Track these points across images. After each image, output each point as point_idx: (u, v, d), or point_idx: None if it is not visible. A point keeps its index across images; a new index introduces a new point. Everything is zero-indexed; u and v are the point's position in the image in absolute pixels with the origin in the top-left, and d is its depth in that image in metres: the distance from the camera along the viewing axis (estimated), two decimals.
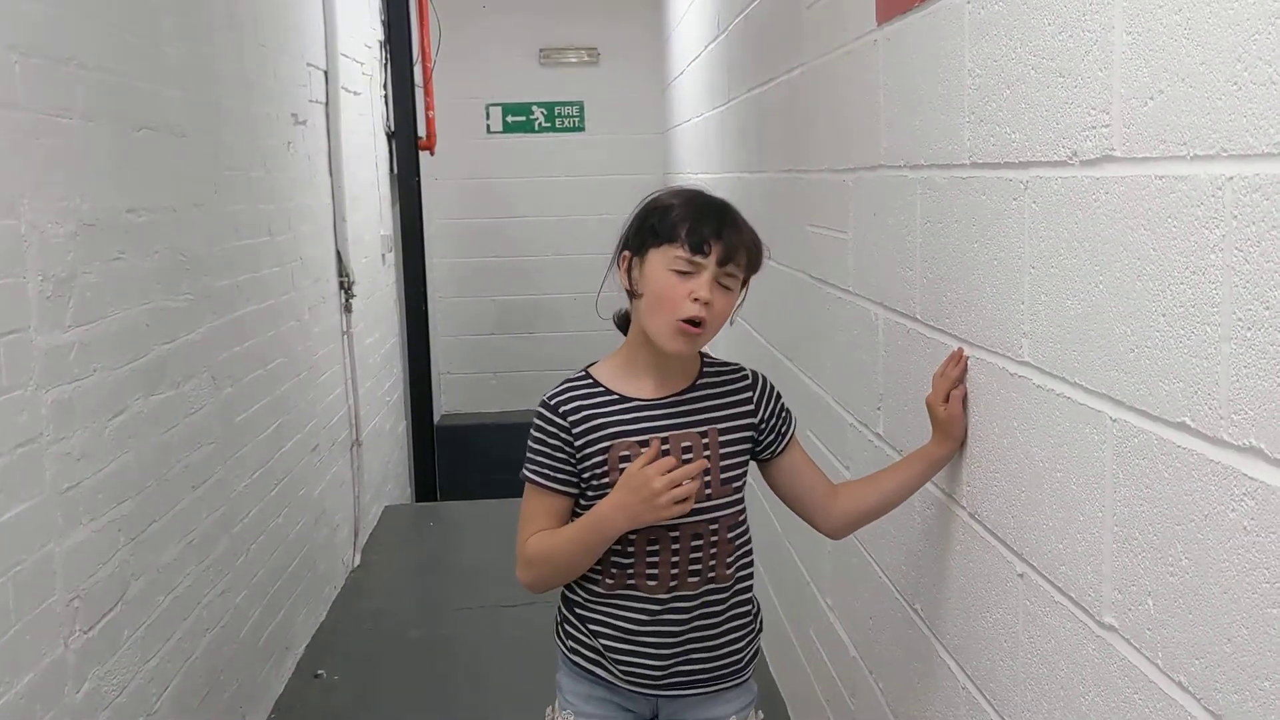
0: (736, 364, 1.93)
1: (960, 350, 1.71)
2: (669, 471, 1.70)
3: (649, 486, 1.70)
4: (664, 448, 1.79)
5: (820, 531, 1.97)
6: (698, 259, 1.72)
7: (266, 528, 3.62)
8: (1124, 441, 1.21)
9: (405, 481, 6.41)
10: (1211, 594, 1.06)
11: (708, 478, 1.81)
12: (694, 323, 1.73)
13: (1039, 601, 1.46)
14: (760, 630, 1.96)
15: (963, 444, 1.73)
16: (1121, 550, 1.23)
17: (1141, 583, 1.18)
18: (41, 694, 2.11)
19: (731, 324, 1.86)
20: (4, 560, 2.01)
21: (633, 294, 1.80)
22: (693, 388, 1.85)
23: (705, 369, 1.88)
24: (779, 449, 1.90)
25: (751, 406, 1.87)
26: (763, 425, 1.88)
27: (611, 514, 1.74)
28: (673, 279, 1.73)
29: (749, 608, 1.92)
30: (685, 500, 1.71)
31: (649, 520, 1.73)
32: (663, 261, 1.74)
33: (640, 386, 1.83)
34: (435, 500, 6.49)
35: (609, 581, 1.84)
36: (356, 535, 4.98)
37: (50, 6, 2.26)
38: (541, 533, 1.82)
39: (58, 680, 2.18)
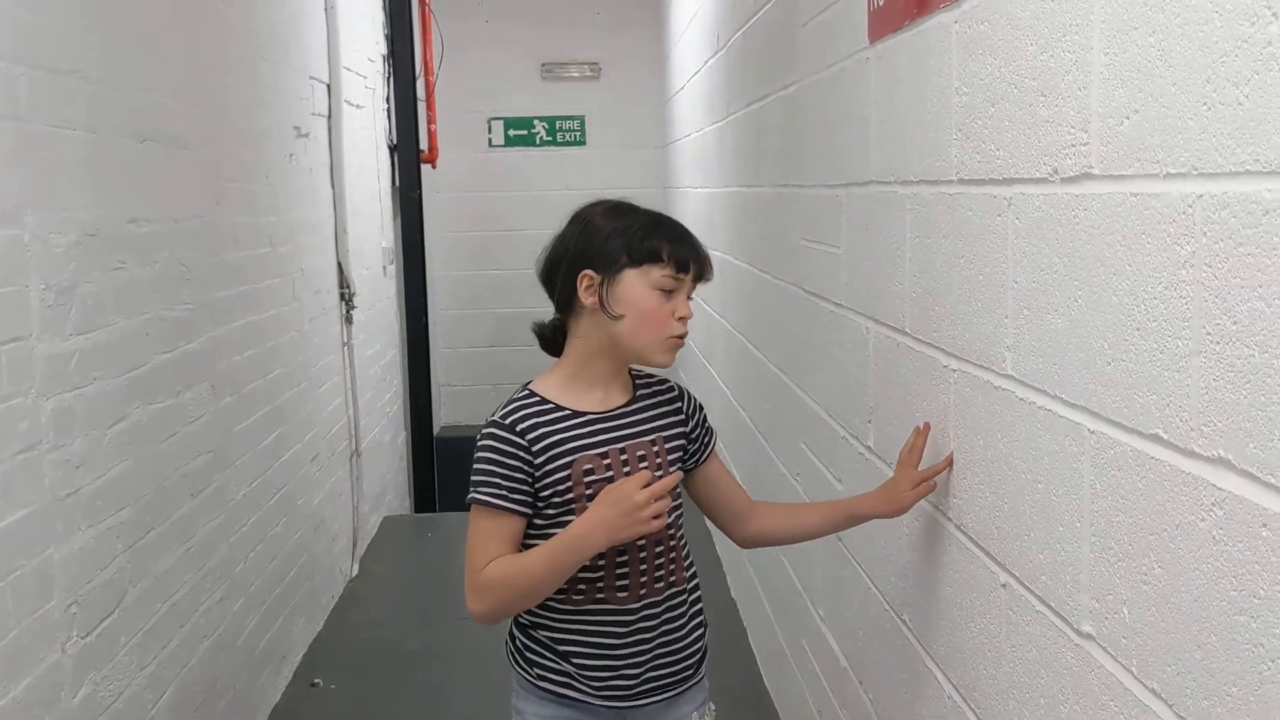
0: (661, 376, 1.98)
1: (950, 455, 1.74)
2: (646, 486, 1.71)
3: (631, 500, 1.69)
4: (622, 458, 1.82)
5: (732, 540, 2.05)
6: (681, 276, 1.79)
7: (265, 536, 3.64)
8: (1101, 453, 1.24)
9: (404, 492, 6.43)
10: (1183, 602, 1.08)
11: (677, 490, 1.85)
12: (679, 337, 1.81)
13: (1021, 611, 1.48)
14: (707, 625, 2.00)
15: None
16: (1099, 560, 1.25)
17: (1118, 592, 1.21)
18: (39, 698, 2.13)
19: None
20: (3, 566, 2.03)
21: (605, 314, 1.79)
22: (635, 399, 1.90)
23: (638, 381, 1.93)
24: (703, 458, 1.96)
25: (682, 417, 1.94)
26: (692, 434, 1.94)
27: (591, 530, 1.71)
28: (656, 298, 1.78)
29: (701, 605, 1.97)
30: (661, 516, 1.72)
31: (628, 535, 1.72)
32: (644, 282, 1.78)
33: (588, 400, 1.85)
34: (434, 511, 6.51)
35: (577, 598, 1.82)
36: (355, 545, 5.00)
37: (54, 19, 2.30)
38: (501, 559, 1.76)
39: (55, 685, 2.20)
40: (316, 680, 3.91)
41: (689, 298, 1.83)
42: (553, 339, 1.91)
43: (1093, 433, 1.26)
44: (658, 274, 1.77)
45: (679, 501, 1.91)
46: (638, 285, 1.78)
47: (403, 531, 5.76)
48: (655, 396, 1.93)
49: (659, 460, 1.86)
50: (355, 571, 4.96)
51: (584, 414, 1.83)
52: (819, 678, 2.84)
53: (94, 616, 2.38)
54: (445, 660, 4.11)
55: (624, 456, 1.83)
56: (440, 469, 6.70)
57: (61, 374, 2.26)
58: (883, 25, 2.05)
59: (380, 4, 5.96)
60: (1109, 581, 1.23)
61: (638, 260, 1.77)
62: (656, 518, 1.72)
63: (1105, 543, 1.24)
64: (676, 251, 1.79)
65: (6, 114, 2.09)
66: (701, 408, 1.99)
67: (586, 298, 1.80)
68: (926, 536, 1.88)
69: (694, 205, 5.40)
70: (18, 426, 2.09)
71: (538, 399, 1.84)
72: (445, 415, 7.80)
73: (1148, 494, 1.14)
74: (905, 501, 1.81)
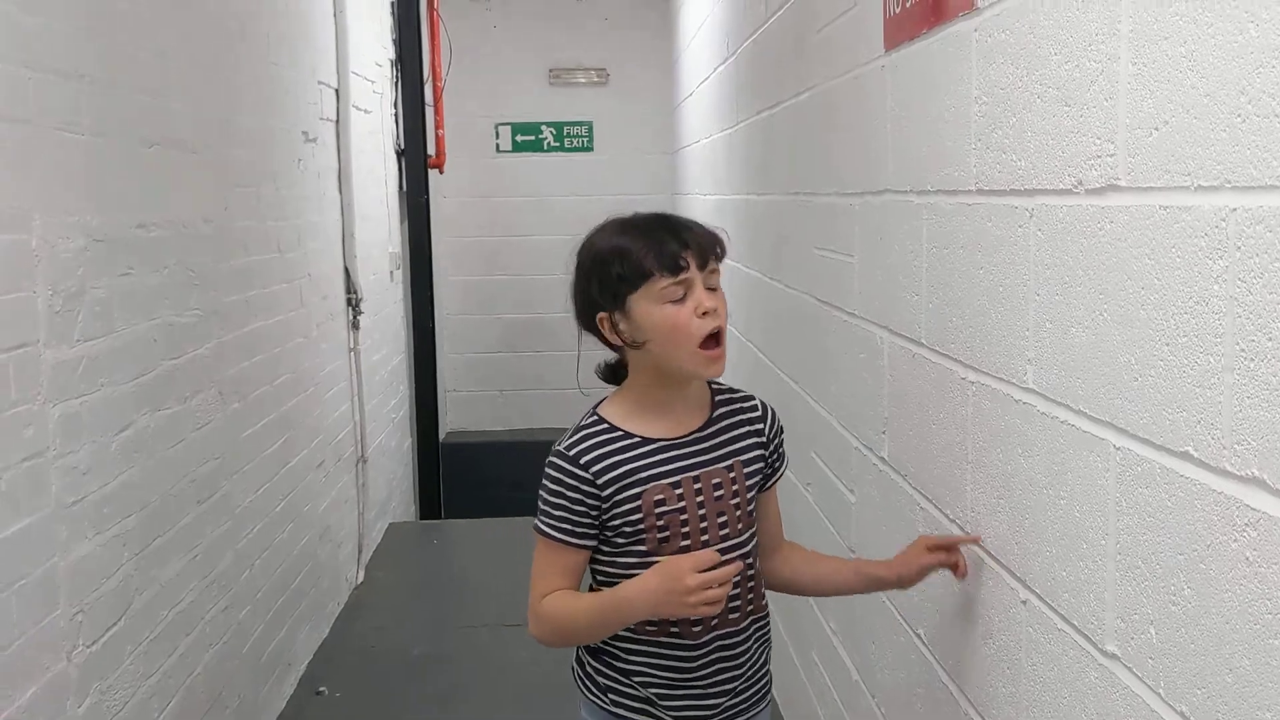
0: (746, 392, 1.89)
1: (978, 538, 1.69)
2: (708, 569, 1.61)
3: (682, 582, 1.59)
4: (696, 487, 1.74)
5: None
6: (683, 276, 1.67)
7: (271, 543, 3.62)
8: (1127, 470, 1.21)
9: (410, 499, 6.42)
10: (1214, 624, 1.05)
11: (750, 563, 1.78)
12: (714, 338, 1.69)
13: (1041, 628, 1.45)
14: None
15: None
16: (1124, 578, 1.23)
17: (1144, 611, 1.18)
18: (43, 708, 2.11)
19: None
20: (8, 574, 2.01)
21: (632, 347, 1.72)
22: (711, 421, 1.80)
23: (717, 399, 1.83)
24: (766, 486, 1.87)
25: (764, 439, 1.84)
26: (769, 457, 1.85)
27: (636, 597, 1.65)
28: (670, 310, 1.67)
29: (770, 626, 1.90)
30: (714, 603, 1.62)
31: (672, 615, 1.66)
32: (651, 301, 1.67)
33: (658, 426, 1.76)
34: (440, 518, 6.49)
35: (650, 629, 1.75)
36: (360, 552, 4.98)
37: (62, 23, 2.28)
38: (559, 594, 1.72)
39: (59, 694, 2.18)
40: (321, 689, 3.89)
41: (712, 288, 1.70)
42: (616, 373, 1.82)
43: (1118, 449, 1.23)
44: (658, 287, 1.66)
45: (753, 530, 1.82)
46: (646, 306, 1.67)
47: (408, 538, 5.74)
48: (735, 416, 1.82)
49: (735, 488, 1.77)
50: (360, 579, 4.94)
51: (654, 440, 1.74)
52: (830, 690, 2.81)
53: (100, 625, 2.36)
54: (451, 667, 4.09)
55: (697, 485, 1.74)
56: (446, 475, 6.69)
57: (69, 380, 2.25)
58: (899, 33, 2.03)
59: (388, 9, 5.95)
60: (1135, 601, 1.20)
61: (634, 283, 1.67)
62: (710, 604, 1.61)
63: (1131, 561, 1.21)
64: (663, 256, 1.67)
65: (14, 118, 2.08)
66: (782, 430, 1.88)
67: (612, 339, 1.73)
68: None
69: (704, 212, 5.38)
70: (24, 433, 2.07)
71: (606, 426, 1.75)
72: (451, 421, 7.78)
73: (1176, 513, 1.12)
74: (913, 573, 1.74)
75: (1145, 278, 1.16)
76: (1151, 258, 1.15)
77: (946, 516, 1.83)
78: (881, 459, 2.22)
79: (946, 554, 1.72)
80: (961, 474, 1.75)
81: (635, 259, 1.68)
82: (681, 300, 1.67)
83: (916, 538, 1.82)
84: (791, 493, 3.18)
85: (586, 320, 1.76)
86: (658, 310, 1.67)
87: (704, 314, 1.67)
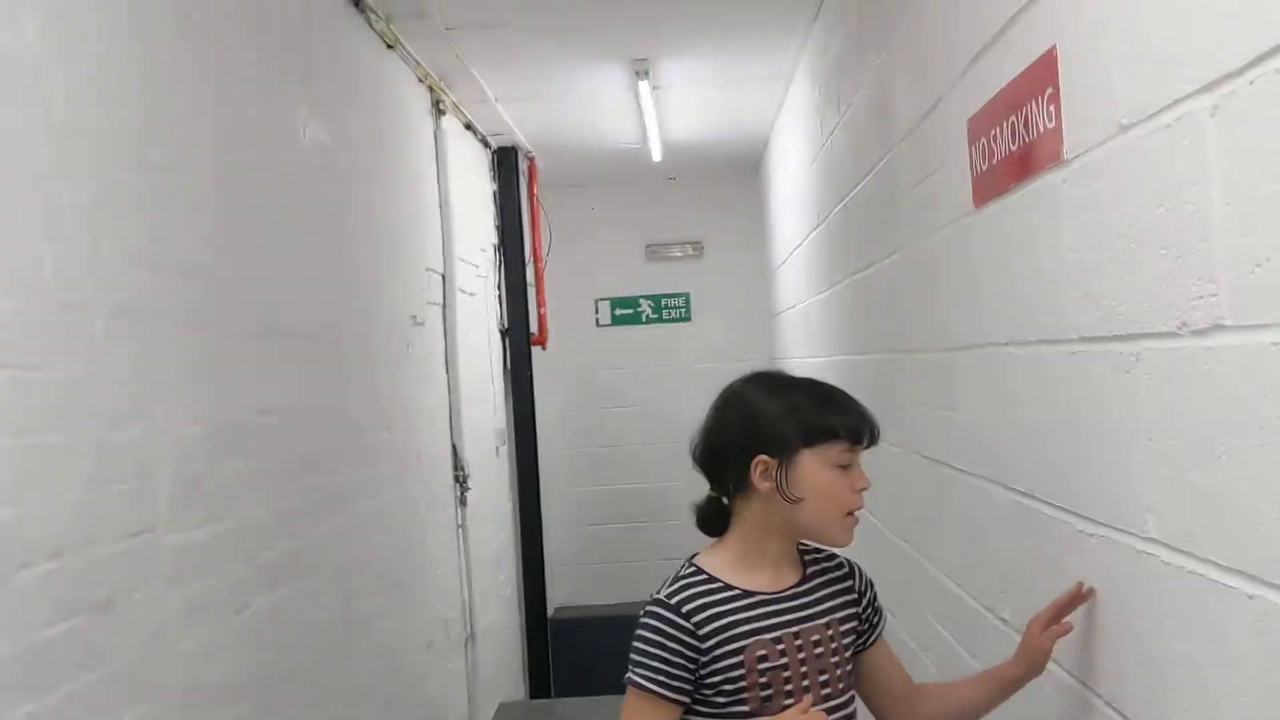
0: (830, 550, 1.88)
1: (1082, 586, 1.67)
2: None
3: None
4: (797, 643, 1.72)
5: None
6: (856, 448, 1.72)
7: None
8: (1262, 618, 1.16)
9: (519, 676, 6.34)
10: None
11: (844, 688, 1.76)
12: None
13: None
14: None
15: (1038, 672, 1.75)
16: None
17: None
18: None
19: None
20: None
21: (785, 498, 1.71)
22: (805, 578, 1.79)
23: (805, 558, 1.83)
24: (871, 640, 1.84)
25: (855, 596, 1.83)
26: (863, 614, 1.83)
27: None
28: (835, 475, 1.71)
29: None
30: None
31: None
32: (821, 461, 1.70)
33: (759, 580, 1.75)
34: (549, 697, 6.38)
35: None
36: None
37: (178, 217, 2.41)
38: None
39: None
40: None
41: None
42: (714, 519, 1.81)
43: (1251, 598, 1.18)
44: (834, 451, 1.70)
45: (851, 692, 1.79)
46: (815, 465, 1.70)
47: (518, 718, 5.65)
48: (826, 574, 1.82)
49: (834, 646, 1.75)
50: None
51: (755, 594, 1.73)
52: None
53: None
54: None
55: (798, 642, 1.72)
56: (555, 651, 6.61)
57: (188, 565, 2.30)
58: (988, 190, 2.05)
59: (491, 198, 6.20)
60: None
61: (812, 440, 1.70)
62: None
63: (1273, 715, 1.14)
64: (849, 424, 1.72)
65: (140, 313, 2.19)
66: (872, 585, 1.87)
67: (762, 483, 1.71)
68: (1076, 714, 1.77)
69: (803, 374, 5.39)
70: (145, 618, 2.12)
71: (705, 576, 1.74)
72: (560, 596, 7.72)
73: None
74: (1034, 650, 1.71)
75: (1262, 417, 1.13)
76: (1266, 395, 1.12)
77: (1076, 678, 1.75)
78: (1003, 620, 2.14)
79: (1059, 624, 1.70)
80: (1088, 630, 1.68)
81: (826, 418, 1.72)
82: (846, 469, 1.72)
83: (1027, 626, 1.76)
84: (910, 657, 3.07)
85: (731, 459, 1.74)
86: (826, 473, 1.71)
87: (860, 490, 1.73)
